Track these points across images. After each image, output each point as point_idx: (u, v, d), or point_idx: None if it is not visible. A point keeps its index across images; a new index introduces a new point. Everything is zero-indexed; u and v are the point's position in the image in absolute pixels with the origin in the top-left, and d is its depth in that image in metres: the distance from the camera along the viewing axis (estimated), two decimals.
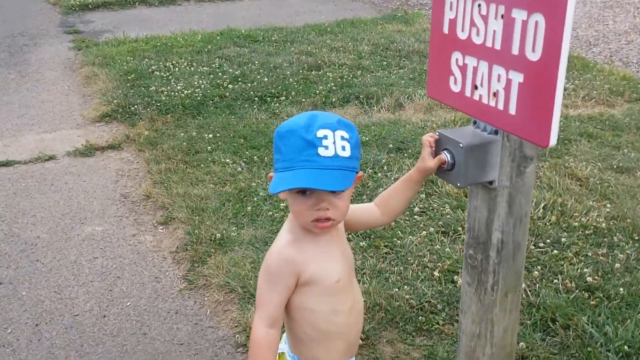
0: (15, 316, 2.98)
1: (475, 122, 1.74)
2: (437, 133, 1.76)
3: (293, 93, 5.67)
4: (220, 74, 6.21)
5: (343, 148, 1.49)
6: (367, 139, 4.59)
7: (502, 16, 1.50)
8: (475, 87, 1.64)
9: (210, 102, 5.52)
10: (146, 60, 6.78)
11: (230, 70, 6.32)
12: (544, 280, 2.96)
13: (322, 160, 1.47)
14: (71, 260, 3.42)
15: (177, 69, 6.43)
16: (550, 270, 3.03)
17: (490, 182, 1.72)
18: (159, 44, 7.42)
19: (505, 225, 1.78)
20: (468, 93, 1.67)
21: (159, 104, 5.46)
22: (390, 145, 4.47)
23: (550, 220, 3.41)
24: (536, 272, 2.99)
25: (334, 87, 5.78)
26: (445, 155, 1.71)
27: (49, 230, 3.73)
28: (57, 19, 9.40)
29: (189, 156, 4.49)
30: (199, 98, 5.57)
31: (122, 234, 3.68)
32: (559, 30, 1.34)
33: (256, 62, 6.57)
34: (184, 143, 4.67)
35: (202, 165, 4.33)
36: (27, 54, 7.61)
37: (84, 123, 5.44)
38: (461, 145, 1.65)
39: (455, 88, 1.71)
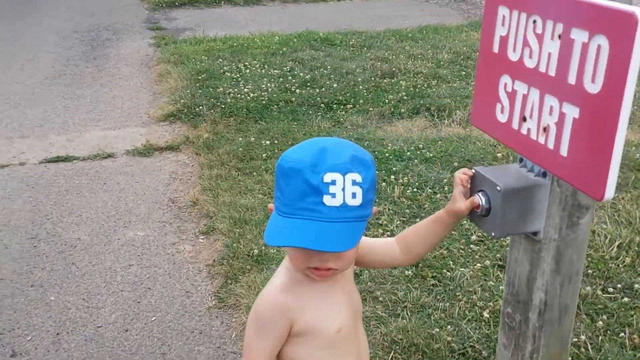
0: (39, 322, 2.89)
1: (522, 160, 1.45)
2: (472, 169, 1.47)
3: (361, 101, 5.42)
4: (290, 77, 6.04)
5: (353, 195, 1.23)
6: (431, 155, 4.28)
7: (560, 36, 1.21)
8: (524, 119, 1.35)
9: (275, 106, 5.35)
10: (220, 60, 6.70)
11: (301, 74, 6.14)
12: (608, 332, 2.57)
13: (328, 211, 1.23)
14: (106, 266, 3.32)
15: (248, 70, 6.31)
16: (618, 321, 2.63)
17: (535, 233, 1.42)
18: (235, 44, 7.35)
19: (550, 285, 1.47)
20: (515, 125, 1.38)
21: (223, 106, 5.35)
22: (456, 164, 4.13)
23: (624, 261, 3.00)
24: (600, 322, 2.61)
25: (405, 97, 5.47)
26: (479, 198, 1.43)
27: (90, 232, 3.65)
28: (144, 14, 9.55)
29: (242, 163, 4.33)
30: (264, 102, 5.41)
31: (162, 241, 3.55)
32: (625, 59, 1.06)
33: (329, 66, 6.35)
34: (240, 149, 4.51)
35: (255, 173, 4.16)
36: (108, 49, 7.73)
37: (149, 122, 5.40)
38: (498, 188, 1.37)
39: (502, 118, 1.43)
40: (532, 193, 1.38)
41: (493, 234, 1.42)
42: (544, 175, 1.38)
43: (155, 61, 7.15)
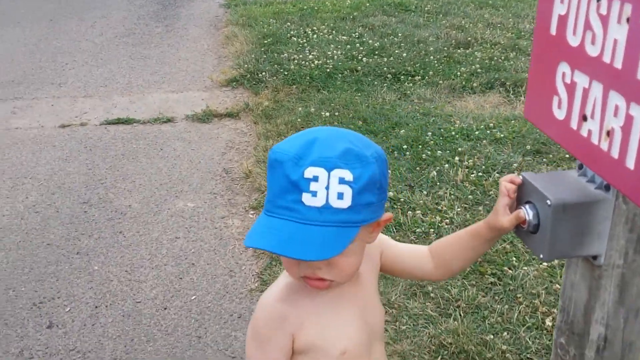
0: (79, 293, 2.84)
1: (581, 167, 1.21)
2: (520, 175, 1.24)
3: (431, 72, 5.12)
4: (358, 44, 5.78)
5: (340, 196, 1.04)
6: (502, 135, 3.98)
7: (628, 20, 0.95)
8: (584, 118, 1.10)
9: (340, 75, 5.13)
10: (287, 24, 6.51)
11: (370, 41, 5.87)
12: None
13: (306, 211, 1.04)
14: (153, 237, 3.24)
15: (315, 35, 6.09)
16: None
17: (594, 257, 1.18)
18: (305, 7, 7.13)
19: (612, 318, 1.24)
20: (574, 124, 1.13)
21: (286, 73, 5.17)
22: (528, 147, 3.82)
23: None
24: None
25: (478, 70, 5.13)
26: (525, 212, 1.20)
27: (142, 200, 3.58)
28: None
29: None
30: (328, 70, 5.19)
31: (211, 214, 3.44)
32: None
33: (400, 34, 6.05)
34: (299, 119, 4.33)
35: None
36: (179, 8, 7.66)
37: (211, 86, 5.29)
38: (549, 202, 1.14)
39: (559, 114, 1.18)
40: (592, 209, 1.14)
41: (541, 255, 1.19)
42: (607, 188, 1.14)
43: (224, 23, 7.03)
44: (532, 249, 1.23)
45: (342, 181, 1.03)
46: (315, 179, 1.03)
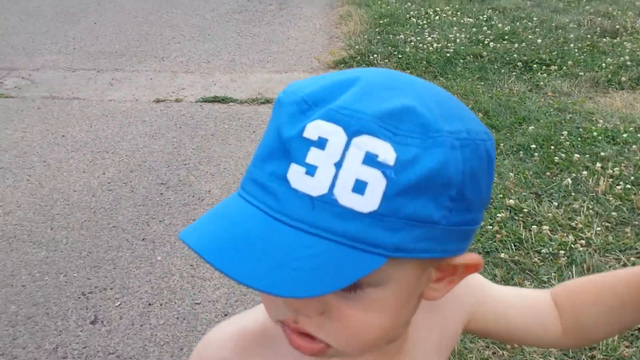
0: (135, 286, 2.48)
1: None
2: None
3: (570, 62, 4.39)
4: (485, 28, 5.13)
5: (359, 187, 0.49)
6: None
7: None
8: None
9: (461, 60, 4.52)
10: (408, 3, 5.97)
11: (500, 24, 5.20)
12: None
13: (289, 198, 0.51)
14: None
15: (437, 17, 5.50)
16: None
17: None
18: None
19: None
20: None
21: (400, 56, 4.63)
22: None
23: None
24: None
25: (628, 62, 4.35)
26: None
27: (223, 186, 3.20)
28: None
29: None
30: (448, 54, 4.60)
31: None
32: None
33: (535, 18, 5.33)
34: None
35: None
36: None
37: (318, 67, 4.85)
38: None
39: None
40: None
41: None
42: None
43: (340, 2, 6.58)
44: None
45: (370, 160, 0.49)
46: (321, 143, 0.50)
